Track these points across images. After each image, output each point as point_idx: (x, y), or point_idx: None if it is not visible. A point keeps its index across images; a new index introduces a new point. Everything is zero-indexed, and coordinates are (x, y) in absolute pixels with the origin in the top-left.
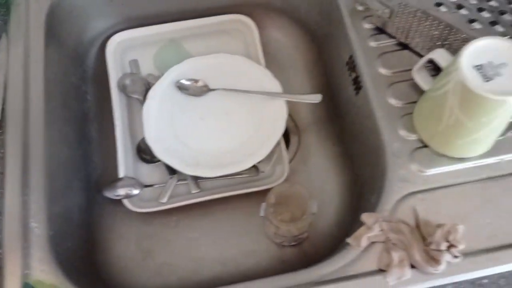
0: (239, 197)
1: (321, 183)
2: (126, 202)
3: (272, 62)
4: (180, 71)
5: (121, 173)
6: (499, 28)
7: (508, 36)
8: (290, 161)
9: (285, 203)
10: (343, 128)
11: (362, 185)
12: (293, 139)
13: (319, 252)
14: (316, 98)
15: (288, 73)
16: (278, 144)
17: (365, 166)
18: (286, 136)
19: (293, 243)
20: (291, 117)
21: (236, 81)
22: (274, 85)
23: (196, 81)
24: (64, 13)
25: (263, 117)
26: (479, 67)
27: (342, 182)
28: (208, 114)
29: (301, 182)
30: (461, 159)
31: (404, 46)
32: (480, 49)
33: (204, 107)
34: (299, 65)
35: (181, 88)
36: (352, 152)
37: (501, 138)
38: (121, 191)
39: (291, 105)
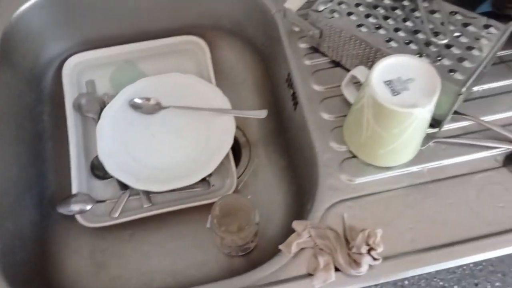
0: (191, 210)
1: (270, 195)
2: (78, 217)
3: (224, 80)
4: (134, 90)
5: (74, 189)
6: (413, 46)
7: (421, 54)
8: (241, 174)
9: (233, 214)
10: (288, 142)
11: (304, 195)
12: (244, 153)
13: (267, 260)
14: (262, 113)
15: (238, 90)
16: (227, 158)
17: (305, 177)
18: (238, 150)
19: (241, 253)
20: (242, 132)
21: (188, 99)
22: (223, 102)
23: (148, 99)
24: (19, 37)
25: (212, 132)
26: (388, 82)
27: (288, 193)
28: (160, 131)
29: (251, 194)
30: (387, 168)
31: (336, 63)
32: (390, 66)
33: (156, 124)
34: (248, 83)
35: (134, 106)
36: (296, 164)
37: (423, 148)
38: (75, 207)
39: (242, 121)
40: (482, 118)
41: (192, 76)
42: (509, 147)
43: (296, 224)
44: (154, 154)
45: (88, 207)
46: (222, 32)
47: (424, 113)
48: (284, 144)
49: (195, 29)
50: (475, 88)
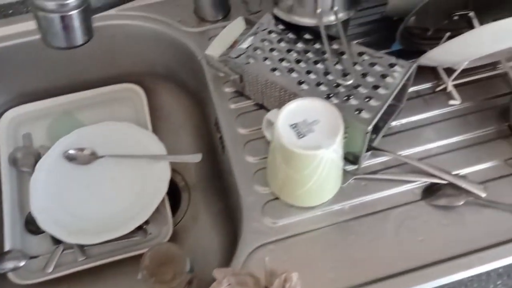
0: (128, 260)
1: (208, 240)
2: (11, 275)
3: (162, 125)
4: (69, 141)
5: (7, 246)
6: (323, 87)
7: (330, 95)
8: (181, 219)
9: (168, 263)
10: (223, 185)
11: (237, 240)
12: (184, 198)
13: None
14: (196, 158)
15: (177, 134)
16: (163, 204)
17: (237, 221)
18: (178, 195)
19: None
20: (182, 176)
21: (123, 147)
22: (159, 148)
23: (82, 149)
24: None
25: (148, 179)
26: (294, 126)
27: (225, 237)
28: (95, 181)
29: (189, 240)
30: (309, 208)
31: (260, 106)
32: (296, 109)
33: (92, 175)
34: (186, 127)
35: (69, 158)
36: (230, 207)
37: (344, 185)
38: (8, 264)
39: (182, 165)
40: (401, 152)
41: (128, 124)
42: (426, 180)
43: (217, 272)
44: (88, 206)
45: (22, 263)
46: (159, 78)
47: (329, 154)
48: (221, 187)
49: (132, 76)
50: (394, 123)
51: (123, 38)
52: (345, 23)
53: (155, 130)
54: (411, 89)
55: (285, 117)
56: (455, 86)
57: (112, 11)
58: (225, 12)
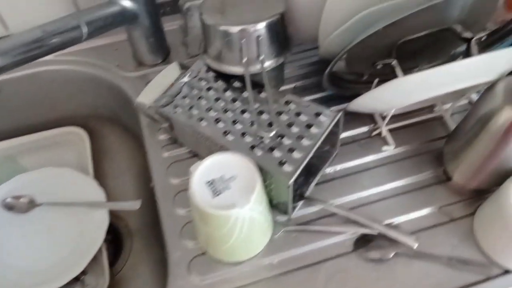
0: None
1: None
2: None
3: (106, 168)
4: (8, 189)
5: None
6: (248, 138)
7: (254, 146)
8: (121, 268)
9: None
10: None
11: None
12: (126, 245)
13: None
14: (135, 205)
15: (121, 178)
16: (101, 253)
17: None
18: (120, 242)
19: None
20: (125, 222)
21: (63, 194)
22: (98, 194)
23: (19, 197)
24: None
25: (85, 228)
26: (210, 183)
27: None
28: (32, 231)
29: None
30: (237, 263)
31: (194, 153)
32: (213, 164)
33: (29, 224)
34: (131, 170)
35: (7, 207)
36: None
37: (276, 236)
38: None
39: (125, 211)
40: (335, 200)
41: (68, 170)
42: (358, 230)
43: None
44: (23, 257)
45: None
46: (103, 120)
47: (245, 213)
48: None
49: (77, 119)
50: (328, 170)
51: (63, 82)
52: (280, 67)
53: (99, 173)
54: (347, 134)
55: (201, 173)
56: (392, 130)
57: (50, 57)
58: (164, 56)
